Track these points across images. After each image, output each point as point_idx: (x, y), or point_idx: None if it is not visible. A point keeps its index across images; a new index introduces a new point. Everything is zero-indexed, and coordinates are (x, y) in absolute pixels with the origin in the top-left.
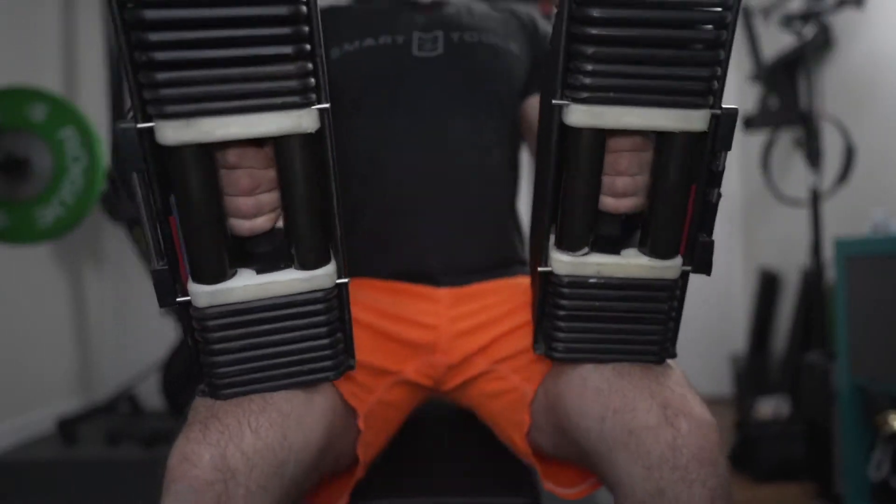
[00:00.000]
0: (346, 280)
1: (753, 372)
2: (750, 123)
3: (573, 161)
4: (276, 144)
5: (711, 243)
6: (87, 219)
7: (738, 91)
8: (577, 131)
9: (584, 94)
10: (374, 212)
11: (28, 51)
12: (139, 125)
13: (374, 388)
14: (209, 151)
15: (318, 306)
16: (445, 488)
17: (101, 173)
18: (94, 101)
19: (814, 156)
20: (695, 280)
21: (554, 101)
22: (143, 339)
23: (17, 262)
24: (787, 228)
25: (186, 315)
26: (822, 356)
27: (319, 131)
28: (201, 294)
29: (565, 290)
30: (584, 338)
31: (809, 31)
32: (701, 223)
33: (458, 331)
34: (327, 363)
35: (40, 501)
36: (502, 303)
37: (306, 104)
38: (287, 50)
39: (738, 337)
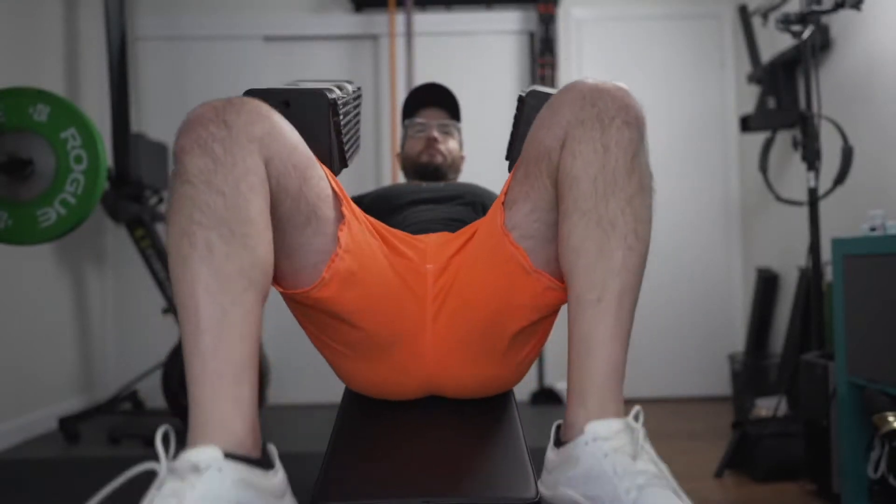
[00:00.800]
0: (339, 93)
1: (752, 372)
2: (748, 124)
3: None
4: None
5: None
6: (88, 219)
7: (737, 92)
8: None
9: None
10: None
11: (31, 52)
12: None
13: (364, 226)
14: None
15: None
16: (445, 488)
17: (103, 174)
18: (95, 103)
19: (812, 156)
20: (694, 280)
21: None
22: (144, 338)
23: (19, 263)
24: (785, 229)
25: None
26: (821, 356)
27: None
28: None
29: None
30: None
31: (807, 32)
32: None
33: (440, 244)
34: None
35: (42, 499)
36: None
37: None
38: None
39: (736, 337)
